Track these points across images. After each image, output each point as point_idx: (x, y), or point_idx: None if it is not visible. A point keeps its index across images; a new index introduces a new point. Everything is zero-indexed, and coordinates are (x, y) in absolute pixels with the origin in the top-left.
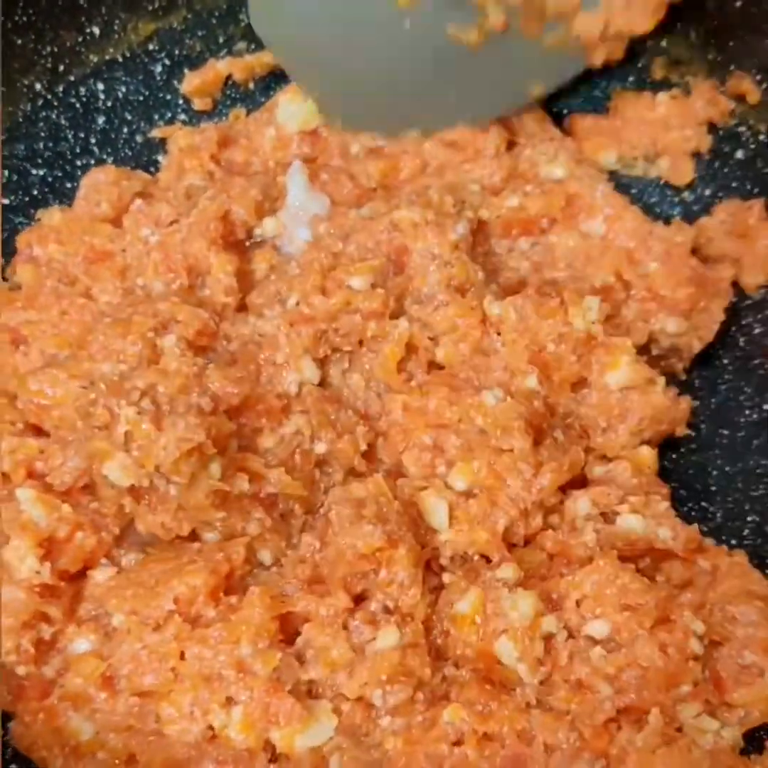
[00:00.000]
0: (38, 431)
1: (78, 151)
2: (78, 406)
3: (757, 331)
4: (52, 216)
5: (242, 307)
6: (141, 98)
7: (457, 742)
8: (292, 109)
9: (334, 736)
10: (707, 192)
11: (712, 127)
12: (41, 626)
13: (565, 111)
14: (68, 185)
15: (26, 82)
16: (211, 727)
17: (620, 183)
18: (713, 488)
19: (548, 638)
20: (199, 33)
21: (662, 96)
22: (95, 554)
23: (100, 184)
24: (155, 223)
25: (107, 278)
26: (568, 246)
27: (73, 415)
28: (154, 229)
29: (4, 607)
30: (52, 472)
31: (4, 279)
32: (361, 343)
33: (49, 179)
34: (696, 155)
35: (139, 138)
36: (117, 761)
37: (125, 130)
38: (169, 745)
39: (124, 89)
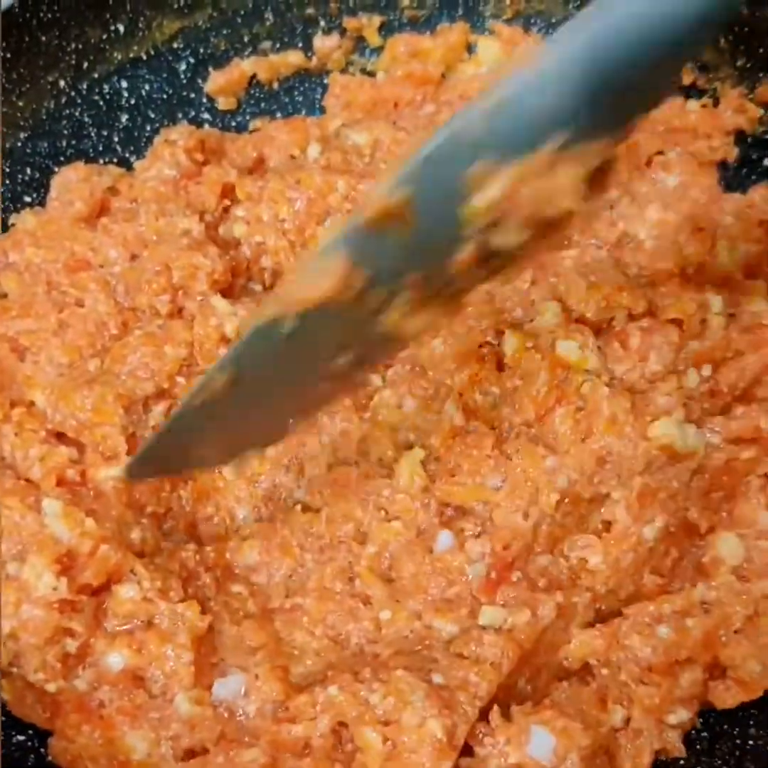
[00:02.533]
0: (61, 438)
1: (101, 148)
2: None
3: None
4: (25, 220)
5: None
6: (164, 96)
7: None
8: None
9: None
10: None
11: (739, 137)
12: (65, 640)
13: None
14: None
15: (50, 79)
16: None
17: None
18: None
19: None
20: (224, 32)
21: (693, 104)
22: (120, 568)
23: (71, 182)
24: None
25: (94, 290)
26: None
27: (117, 433)
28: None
29: (24, 627)
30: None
31: None
32: None
33: None
34: (722, 165)
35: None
36: None
37: (148, 128)
38: None
39: (147, 87)
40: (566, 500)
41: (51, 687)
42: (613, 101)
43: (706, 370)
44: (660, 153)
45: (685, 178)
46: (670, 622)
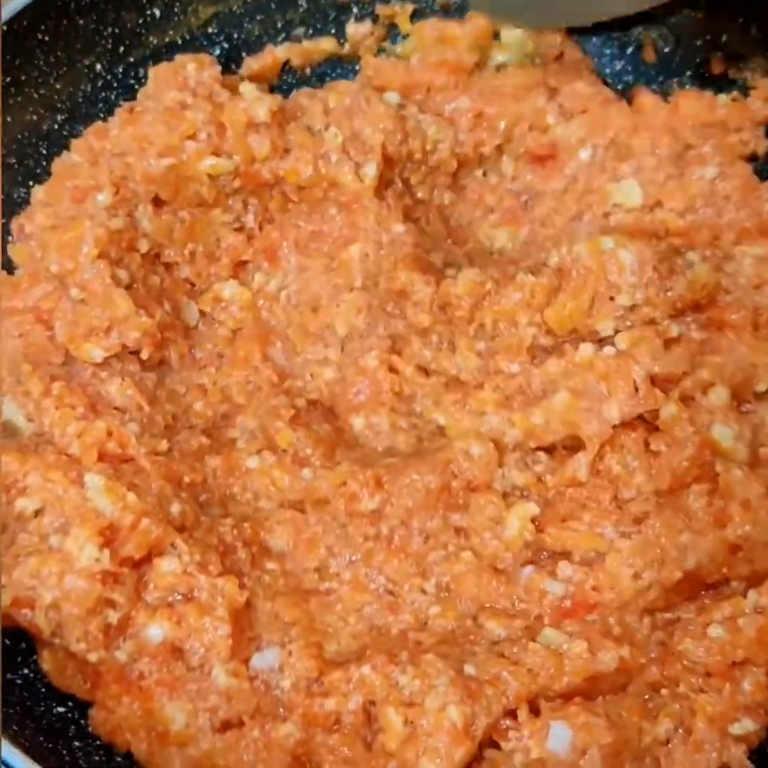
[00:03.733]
0: (98, 412)
1: None
2: None
3: None
4: (36, 193)
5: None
6: None
7: None
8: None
9: None
10: None
11: None
12: (107, 612)
13: None
14: None
15: (86, 63)
16: None
17: None
18: None
19: None
20: (258, 17)
21: (723, 98)
22: (161, 542)
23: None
24: None
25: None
26: None
27: None
28: None
29: (67, 597)
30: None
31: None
32: None
33: None
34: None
35: None
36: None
37: None
38: None
39: None
40: (686, 580)
41: (92, 657)
42: None
43: None
44: (689, 147)
45: (723, 169)
46: (722, 623)
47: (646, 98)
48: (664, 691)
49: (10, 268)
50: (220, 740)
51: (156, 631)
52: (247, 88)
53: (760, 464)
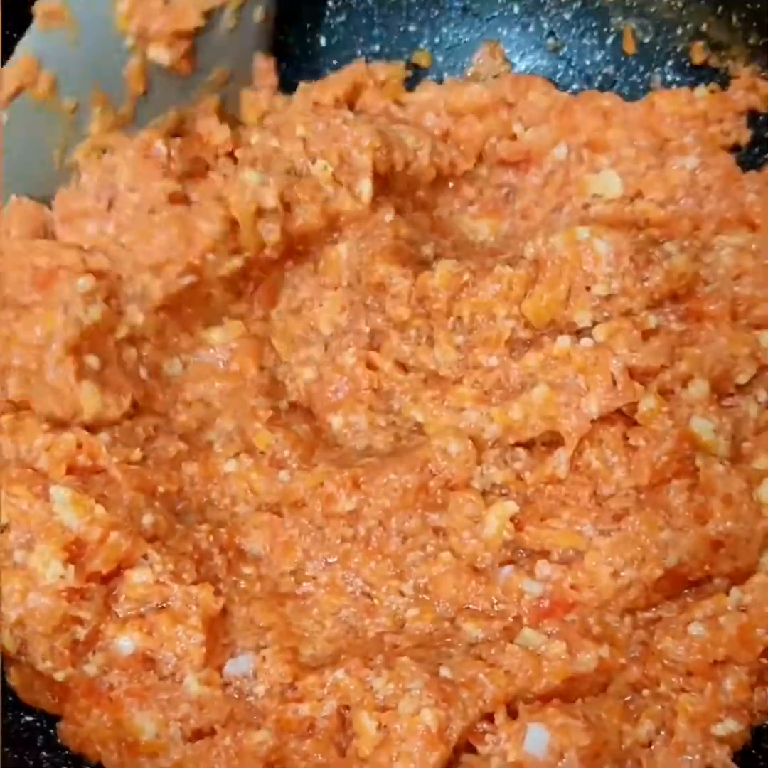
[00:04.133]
0: (65, 426)
1: None
2: None
3: None
4: None
5: None
6: None
7: None
8: None
9: None
10: None
11: (751, 119)
12: (74, 628)
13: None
14: None
15: None
16: None
17: None
18: None
19: None
20: None
21: (701, 90)
22: (131, 555)
23: None
24: None
25: None
26: None
27: None
28: None
29: (31, 615)
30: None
31: None
32: None
33: None
34: (735, 147)
35: None
36: None
37: None
38: None
39: None
40: (667, 578)
41: (59, 675)
42: None
43: None
44: (668, 140)
45: (704, 159)
46: (703, 621)
47: (611, 100)
48: (645, 692)
49: None
50: (191, 749)
51: (126, 642)
52: (249, 175)
53: (743, 459)
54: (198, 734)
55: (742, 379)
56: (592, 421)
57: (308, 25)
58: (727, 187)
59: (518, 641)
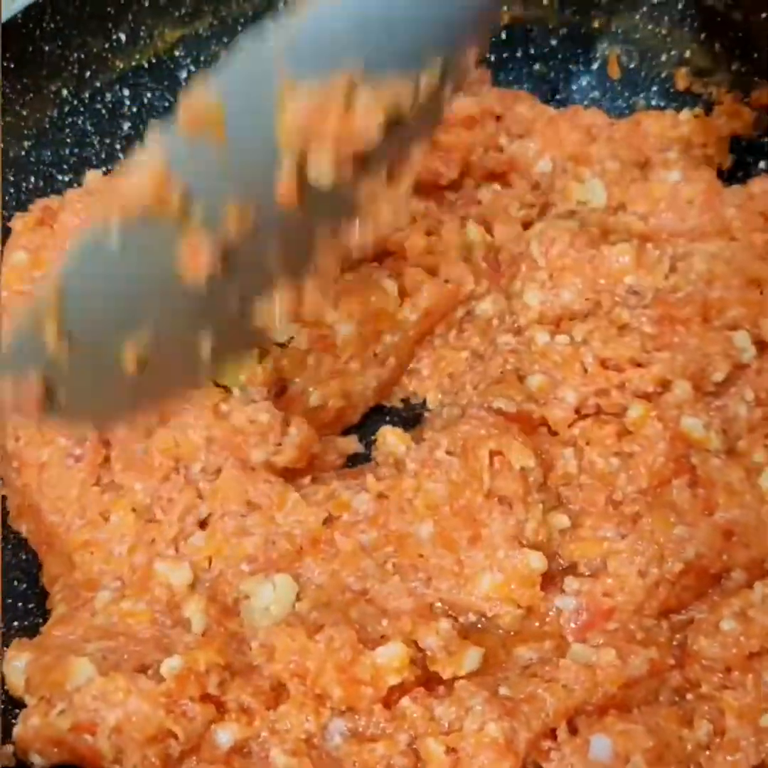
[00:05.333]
0: None
1: (103, 157)
2: None
3: None
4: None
5: None
6: (166, 104)
7: None
8: None
9: None
10: None
11: (733, 143)
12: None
13: None
14: None
15: (53, 89)
16: None
17: None
18: None
19: None
20: (225, 40)
21: (686, 114)
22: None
23: None
24: None
25: None
26: None
27: None
28: None
29: (129, 720)
30: None
31: None
32: None
33: (75, 185)
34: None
35: None
36: None
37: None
38: None
39: (149, 95)
40: (690, 573)
41: None
42: (409, 36)
43: None
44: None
45: (687, 173)
46: (733, 617)
47: (597, 116)
48: (689, 696)
49: None
50: None
51: (225, 736)
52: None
53: (740, 455)
54: None
55: (717, 377)
56: (576, 412)
57: None
58: (710, 201)
59: (570, 657)
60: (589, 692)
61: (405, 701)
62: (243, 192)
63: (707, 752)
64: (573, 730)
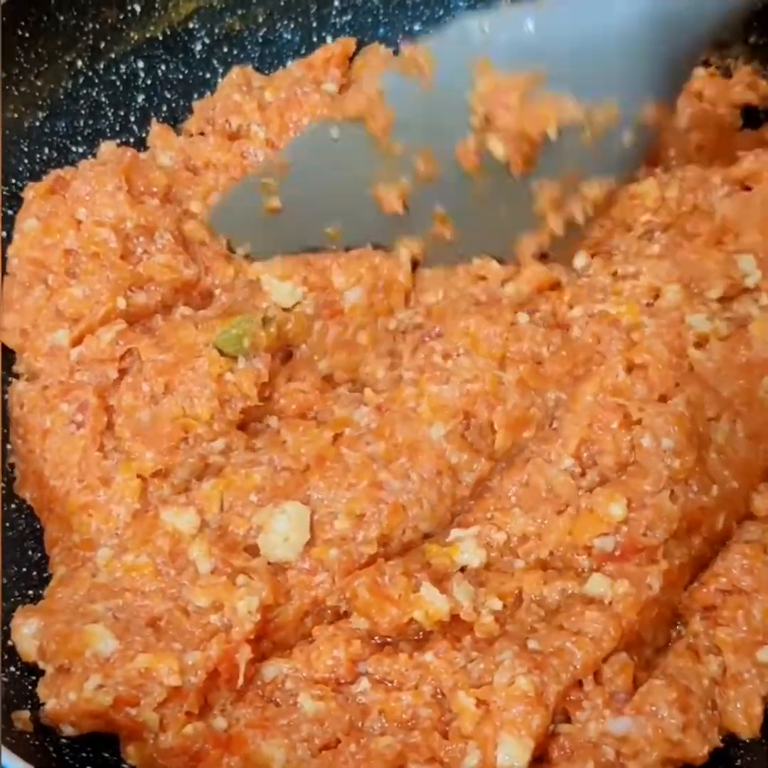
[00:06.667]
0: None
1: (117, 128)
2: None
3: None
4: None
5: None
6: (180, 76)
7: None
8: None
9: None
10: None
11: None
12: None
13: None
14: None
15: (68, 59)
16: None
17: None
18: None
19: None
20: (239, 12)
21: (699, 71)
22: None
23: None
24: None
25: None
26: None
27: None
28: None
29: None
30: None
31: None
32: None
33: (89, 157)
34: None
35: (177, 116)
36: None
37: (164, 108)
38: None
39: (163, 67)
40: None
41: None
42: (600, 71)
43: None
44: None
45: (695, 121)
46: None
47: None
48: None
49: None
50: (319, 764)
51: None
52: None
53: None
54: (325, 748)
55: (712, 294)
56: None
57: (314, 24)
58: (721, 145)
59: (589, 588)
60: (614, 641)
61: (429, 655)
62: (436, 140)
63: (720, 687)
64: (599, 682)
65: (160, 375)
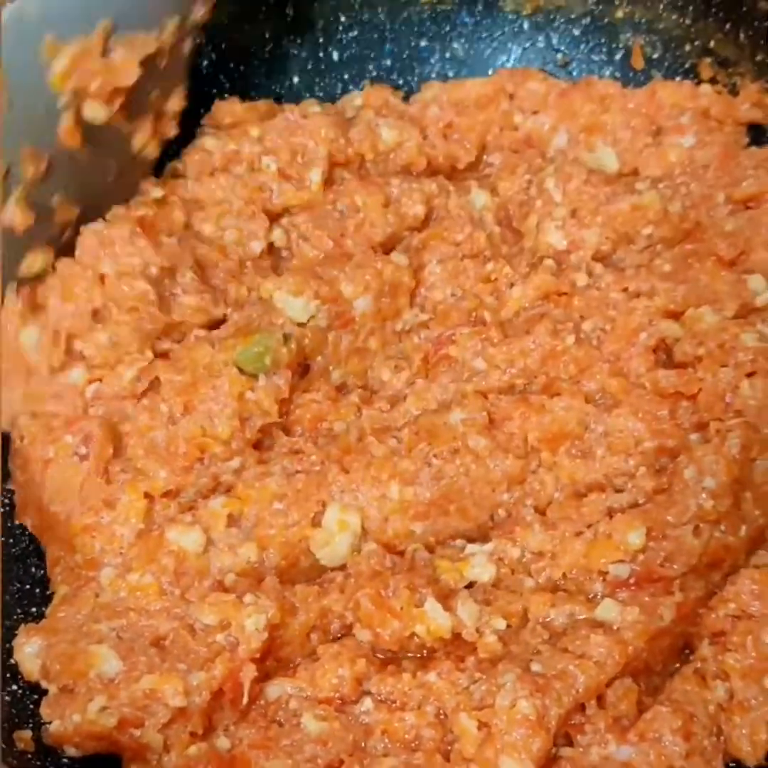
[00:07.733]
0: None
1: None
2: None
3: None
4: None
5: None
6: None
7: None
8: None
9: None
10: None
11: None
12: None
13: None
14: None
15: None
16: None
17: None
18: None
19: None
20: (246, 27)
21: (706, 88)
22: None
23: None
24: None
25: None
26: None
27: None
28: None
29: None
30: None
31: None
32: None
33: None
34: None
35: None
36: None
37: None
38: None
39: None
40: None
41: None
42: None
43: None
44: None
45: (701, 137)
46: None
47: (611, 86)
48: (699, 664)
49: None
50: None
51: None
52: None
53: None
54: None
55: (726, 314)
56: None
57: (321, 40)
58: (726, 164)
59: (599, 614)
60: (619, 666)
61: (432, 676)
62: (34, 138)
63: (726, 713)
64: (602, 705)
65: (178, 395)
